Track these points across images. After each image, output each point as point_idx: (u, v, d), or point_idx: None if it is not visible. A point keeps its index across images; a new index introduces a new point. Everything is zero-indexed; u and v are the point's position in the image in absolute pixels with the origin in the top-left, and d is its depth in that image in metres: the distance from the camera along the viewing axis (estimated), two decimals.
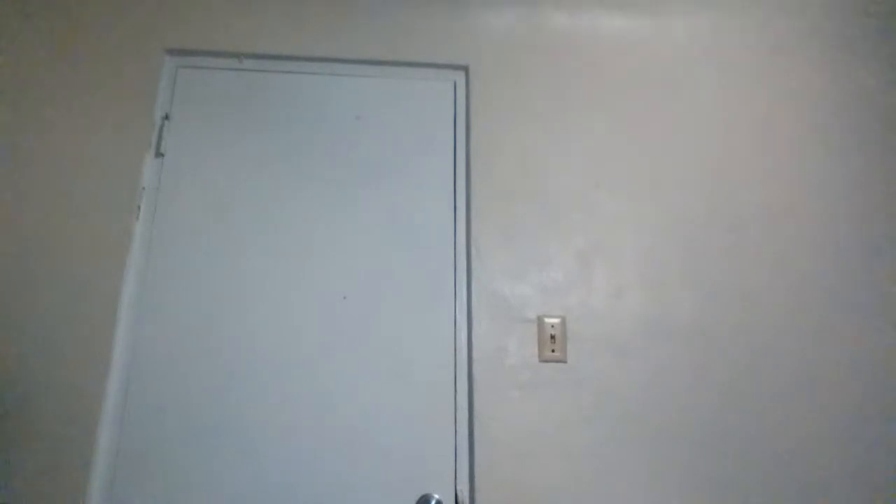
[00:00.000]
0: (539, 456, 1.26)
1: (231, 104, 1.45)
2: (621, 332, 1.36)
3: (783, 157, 1.53)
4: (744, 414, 1.33)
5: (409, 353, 1.32)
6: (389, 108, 1.49)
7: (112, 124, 1.38)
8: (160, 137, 1.40)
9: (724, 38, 1.63)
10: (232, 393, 1.25)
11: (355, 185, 1.42)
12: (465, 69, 1.54)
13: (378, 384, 1.29)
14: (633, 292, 1.39)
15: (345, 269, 1.36)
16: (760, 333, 1.39)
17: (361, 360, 1.30)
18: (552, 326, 1.34)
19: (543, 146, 1.48)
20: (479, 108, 1.49)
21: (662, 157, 1.50)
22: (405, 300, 1.35)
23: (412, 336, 1.33)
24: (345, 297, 1.34)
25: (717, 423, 1.32)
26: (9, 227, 1.29)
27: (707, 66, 1.59)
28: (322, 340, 1.30)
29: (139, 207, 1.35)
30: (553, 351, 1.32)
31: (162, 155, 1.39)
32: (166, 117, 1.42)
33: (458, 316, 1.35)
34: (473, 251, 1.38)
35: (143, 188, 1.36)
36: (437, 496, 1.23)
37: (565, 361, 1.32)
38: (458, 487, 1.24)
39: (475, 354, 1.31)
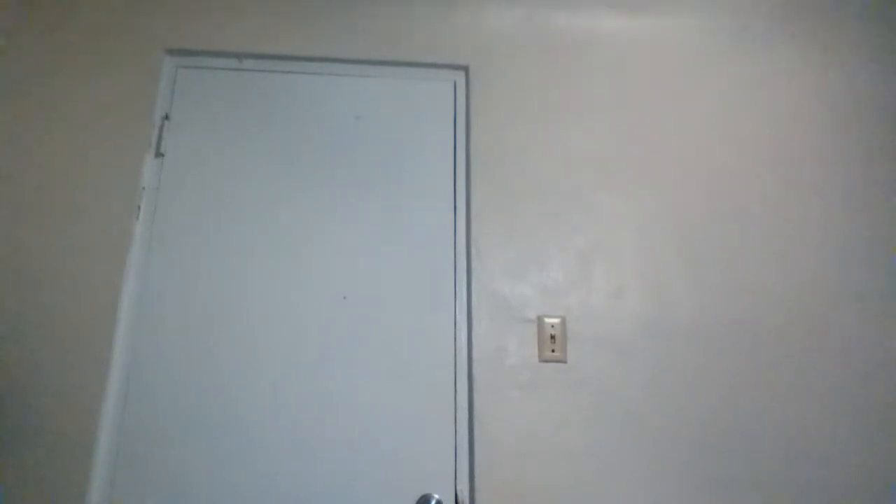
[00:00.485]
0: (539, 456, 1.26)
1: (231, 104, 1.45)
2: (621, 332, 1.36)
3: (783, 157, 1.53)
4: (744, 414, 1.33)
5: (409, 353, 1.32)
6: (389, 108, 1.49)
7: (112, 124, 1.38)
8: (160, 137, 1.40)
9: (724, 37, 1.62)
10: (231, 393, 1.25)
11: (355, 185, 1.42)
12: (465, 69, 1.54)
13: (378, 384, 1.29)
14: (633, 292, 1.39)
15: (345, 269, 1.36)
16: (760, 333, 1.39)
17: (361, 359, 1.30)
18: (552, 326, 1.34)
19: (543, 146, 1.48)
20: (479, 108, 1.49)
21: (662, 157, 1.50)
22: (405, 300, 1.35)
23: (412, 336, 1.33)
24: (345, 297, 1.34)
25: (717, 423, 1.32)
26: (9, 227, 1.29)
27: (707, 66, 1.59)
28: (322, 340, 1.30)
29: (139, 207, 1.35)
30: (553, 351, 1.32)
31: (162, 155, 1.39)
32: (166, 117, 1.42)
33: (458, 316, 1.35)
34: (473, 251, 1.38)
35: (143, 188, 1.36)
36: (437, 496, 1.23)
37: (565, 361, 1.32)
38: (458, 487, 1.24)
39: (475, 354, 1.31)
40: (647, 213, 1.45)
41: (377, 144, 1.46)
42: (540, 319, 1.34)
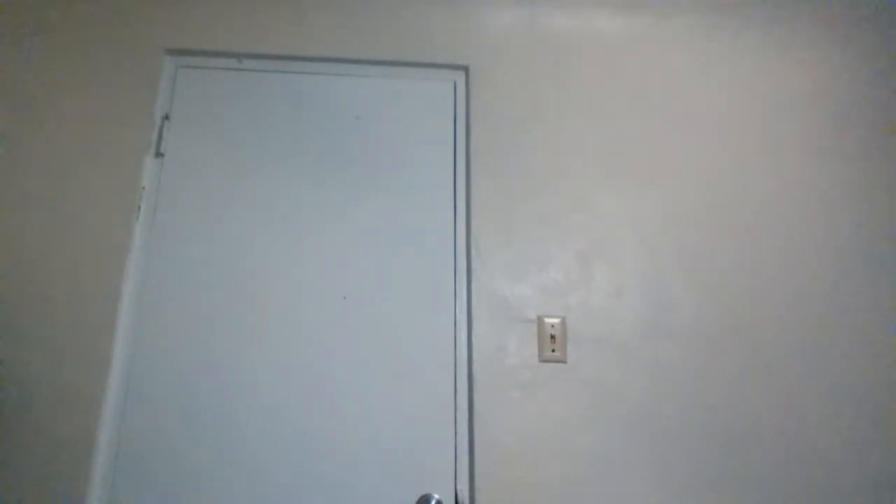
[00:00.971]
0: (539, 456, 1.26)
1: (231, 104, 1.45)
2: (621, 332, 1.36)
3: (784, 157, 1.53)
4: (744, 414, 1.33)
5: (409, 352, 1.32)
6: (389, 108, 1.49)
7: (112, 124, 1.38)
8: (160, 137, 1.40)
9: (724, 37, 1.62)
10: (231, 393, 1.25)
11: (355, 185, 1.42)
12: (465, 69, 1.54)
13: (378, 384, 1.29)
14: (633, 292, 1.39)
15: (345, 269, 1.36)
16: (761, 333, 1.39)
17: (361, 360, 1.30)
18: (552, 326, 1.34)
19: (543, 146, 1.48)
20: (479, 108, 1.49)
21: (662, 157, 1.50)
22: (405, 300, 1.35)
23: (412, 336, 1.33)
24: (345, 297, 1.34)
25: (718, 423, 1.32)
26: (9, 228, 1.29)
27: (707, 66, 1.59)
28: (322, 340, 1.30)
29: (139, 207, 1.35)
30: (553, 351, 1.32)
31: (162, 155, 1.39)
32: (166, 117, 1.42)
33: (458, 316, 1.35)
34: (473, 251, 1.38)
35: (143, 188, 1.36)
36: (437, 496, 1.23)
37: (565, 361, 1.32)
38: (458, 487, 1.24)
39: (475, 354, 1.31)
40: (647, 213, 1.45)
41: (377, 144, 1.46)
42: (540, 319, 1.34)
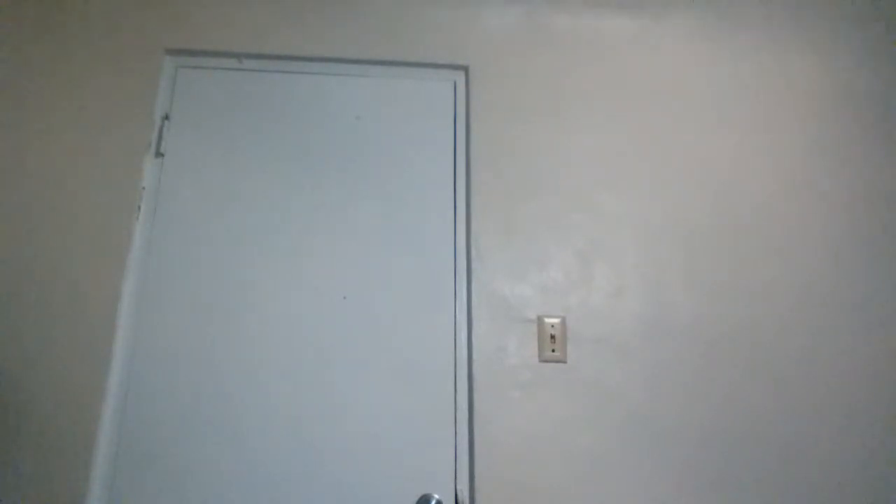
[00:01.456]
0: (539, 456, 1.26)
1: (231, 104, 1.45)
2: (621, 332, 1.36)
3: (784, 157, 1.53)
4: (744, 414, 1.33)
5: (409, 352, 1.32)
6: (389, 108, 1.49)
7: (112, 124, 1.38)
8: (160, 137, 1.40)
9: (724, 37, 1.63)
10: (231, 393, 1.25)
11: (355, 185, 1.42)
12: (465, 69, 1.54)
13: (378, 384, 1.29)
14: (633, 292, 1.39)
15: (345, 269, 1.36)
16: (761, 333, 1.39)
17: (361, 360, 1.30)
18: (552, 326, 1.34)
19: (544, 146, 1.48)
20: (479, 108, 1.49)
21: (663, 157, 1.50)
22: (405, 300, 1.35)
23: (412, 336, 1.33)
24: (345, 298, 1.34)
25: (718, 423, 1.32)
26: (9, 227, 1.29)
27: (708, 66, 1.59)
28: (322, 341, 1.30)
29: (139, 207, 1.35)
30: (553, 351, 1.32)
31: (162, 155, 1.39)
32: (166, 117, 1.42)
33: (458, 316, 1.35)
34: (473, 251, 1.38)
35: (143, 188, 1.36)
36: (437, 496, 1.23)
37: (565, 361, 1.32)
38: (458, 487, 1.24)
39: (475, 354, 1.31)
40: (647, 213, 1.45)
41: (377, 144, 1.46)
42: (540, 319, 1.34)
